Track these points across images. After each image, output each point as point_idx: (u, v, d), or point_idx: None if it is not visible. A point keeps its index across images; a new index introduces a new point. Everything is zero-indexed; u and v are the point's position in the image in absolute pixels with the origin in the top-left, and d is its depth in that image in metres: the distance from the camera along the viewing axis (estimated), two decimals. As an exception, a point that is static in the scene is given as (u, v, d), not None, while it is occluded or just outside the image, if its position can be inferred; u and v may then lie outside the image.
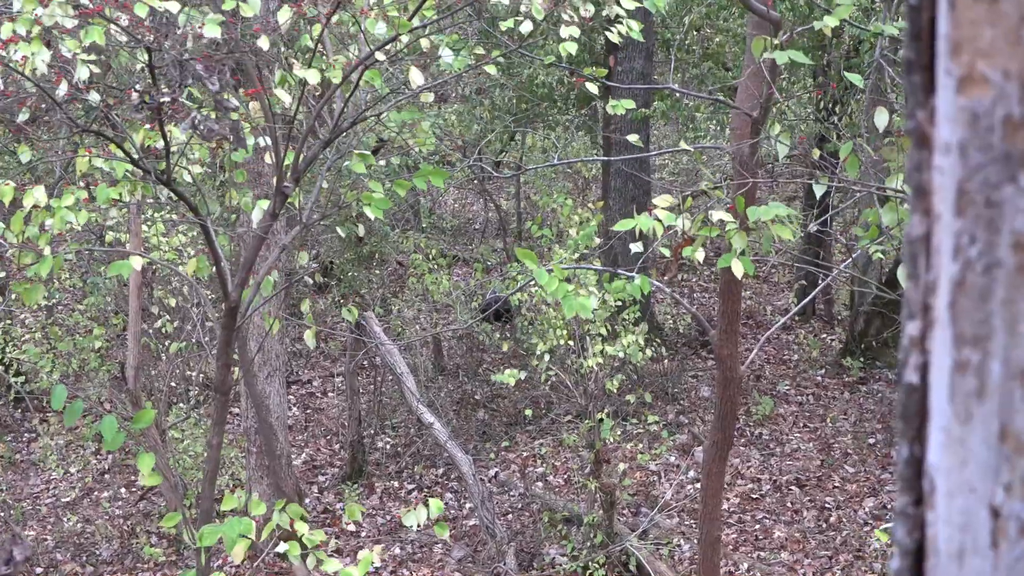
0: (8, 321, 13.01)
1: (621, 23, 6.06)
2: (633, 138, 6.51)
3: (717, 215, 5.34)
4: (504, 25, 5.76)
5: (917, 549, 0.89)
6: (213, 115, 5.72)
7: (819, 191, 5.66)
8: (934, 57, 0.82)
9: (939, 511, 0.85)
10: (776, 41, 6.11)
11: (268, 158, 5.66)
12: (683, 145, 6.27)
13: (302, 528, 4.83)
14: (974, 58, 0.76)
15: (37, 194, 4.95)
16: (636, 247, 5.43)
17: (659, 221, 5.23)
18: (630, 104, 6.35)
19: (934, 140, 0.83)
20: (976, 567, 0.81)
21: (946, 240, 0.80)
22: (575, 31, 5.67)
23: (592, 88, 6.14)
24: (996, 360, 0.77)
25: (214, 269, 5.59)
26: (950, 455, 0.82)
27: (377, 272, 14.56)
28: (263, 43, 5.03)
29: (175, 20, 5.14)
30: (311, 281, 13.68)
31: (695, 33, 14.79)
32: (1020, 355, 0.76)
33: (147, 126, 5.16)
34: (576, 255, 10.68)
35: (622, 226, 5.25)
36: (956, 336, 0.80)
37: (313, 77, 5.01)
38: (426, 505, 5.14)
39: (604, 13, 6.25)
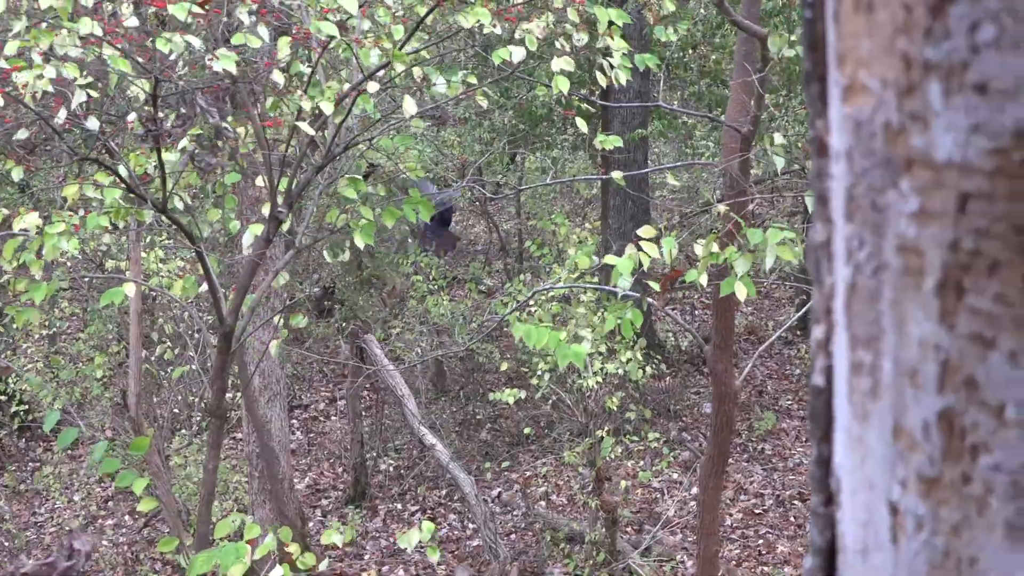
0: (11, 352, 13.03)
1: (613, 57, 6.05)
2: (617, 175, 6.52)
3: (701, 247, 5.32)
4: (496, 58, 5.77)
5: (829, 547, 0.91)
6: (210, 145, 5.74)
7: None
8: (828, 68, 0.85)
9: (845, 509, 0.87)
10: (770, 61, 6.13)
11: (260, 182, 5.69)
12: (661, 167, 6.29)
13: (296, 551, 4.84)
14: (856, 68, 0.78)
15: (28, 219, 4.99)
16: (624, 283, 5.38)
17: (645, 253, 5.23)
18: (617, 141, 6.37)
19: (830, 148, 0.85)
20: (879, 562, 0.83)
21: (840, 245, 0.83)
22: (568, 64, 5.66)
23: (581, 123, 6.12)
24: (887, 359, 0.79)
25: (210, 294, 5.61)
26: (852, 454, 0.84)
27: (379, 294, 14.57)
28: (277, 77, 5.08)
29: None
30: (310, 296, 13.69)
31: (691, 51, 14.80)
32: (908, 355, 0.78)
33: (139, 152, 5.20)
34: (576, 274, 10.69)
35: (617, 273, 5.23)
36: (851, 338, 0.82)
37: (325, 106, 5.00)
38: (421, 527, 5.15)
39: (598, 45, 6.25)
